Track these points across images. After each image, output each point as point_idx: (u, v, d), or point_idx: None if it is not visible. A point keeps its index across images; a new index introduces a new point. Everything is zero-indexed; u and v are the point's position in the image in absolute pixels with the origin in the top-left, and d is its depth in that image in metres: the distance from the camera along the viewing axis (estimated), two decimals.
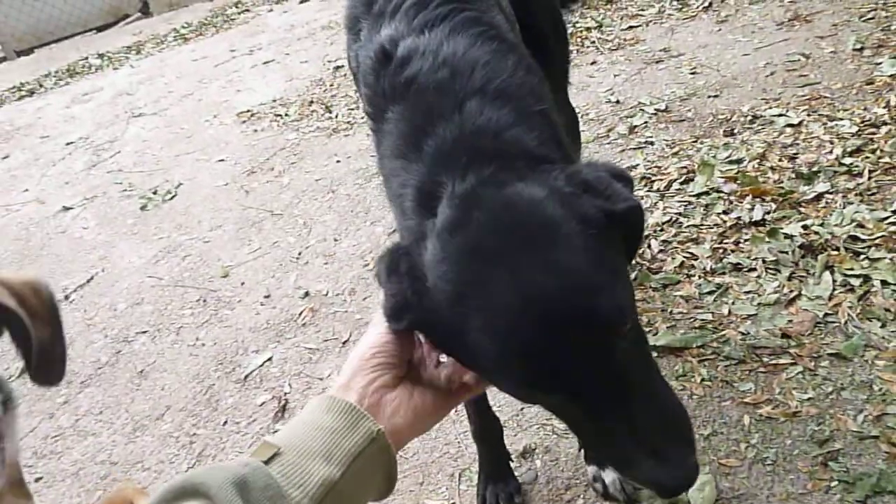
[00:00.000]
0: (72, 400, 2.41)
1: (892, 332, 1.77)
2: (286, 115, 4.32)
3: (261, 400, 2.19)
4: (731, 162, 2.56)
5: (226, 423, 2.15)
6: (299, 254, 2.84)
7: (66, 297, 2.98)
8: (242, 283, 2.77)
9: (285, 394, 2.18)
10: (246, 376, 2.30)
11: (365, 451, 0.78)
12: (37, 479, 2.12)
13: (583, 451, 1.68)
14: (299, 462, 0.75)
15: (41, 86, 6.98)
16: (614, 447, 0.87)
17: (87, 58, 7.59)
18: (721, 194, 2.42)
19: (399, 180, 1.06)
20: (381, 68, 1.13)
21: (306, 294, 2.59)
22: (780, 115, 2.75)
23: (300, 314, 2.50)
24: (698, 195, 2.45)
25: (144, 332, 2.66)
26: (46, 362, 1.01)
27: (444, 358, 0.93)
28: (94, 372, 2.52)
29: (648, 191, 2.55)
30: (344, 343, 2.31)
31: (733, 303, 2.00)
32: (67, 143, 4.96)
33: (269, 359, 2.34)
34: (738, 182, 2.42)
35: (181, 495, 0.68)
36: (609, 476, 1.60)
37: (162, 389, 2.35)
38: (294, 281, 2.69)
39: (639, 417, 0.84)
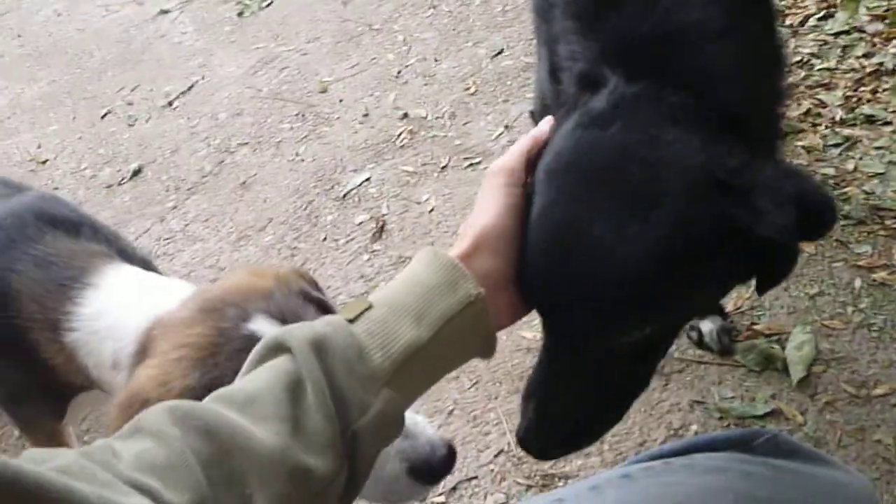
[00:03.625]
0: (180, 206, 2.53)
1: None
2: None
3: (359, 219, 2.23)
4: None
5: (325, 239, 2.22)
6: (398, 72, 2.77)
7: (170, 104, 3.03)
8: (341, 100, 2.74)
9: (383, 215, 2.21)
10: (344, 194, 2.34)
11: (459, 314, 0.71)
12: None
13: None
14: (387, 319, 0.69)
15: None
16: (529, 384, 0.87)
17: None
18: (863, 35, 2.18)
19: (569, 49, 0.97)
20: None
21: (405, 115, 2.55)
22: None
23: (399, 135, 2.48)
24: (836, 34, 2.22)
25: (245, 143, 2.71)
26: None
27: None
28: (200, 180, 2.61)
29: (780, 26, 2.32)
30: (443, 168, 2.30)
31: (861, 158, 1.86)
32: None
33: (368, 179, 2.36)
34: (886, 21, 2.18)
35: (273, 350, 0.68)
36: (706, 326, 1.59)
37: (264, 202, 2.43)
38: (393, 101, 2.64)
39: (558, 390, 0.84)
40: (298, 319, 0.98)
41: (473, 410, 1.65)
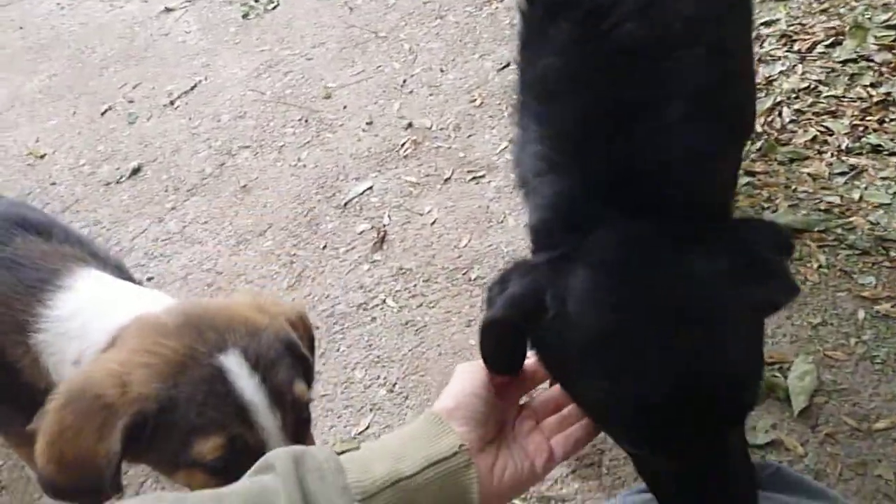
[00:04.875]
0: (179, 206, 2.50)
1: None
2: None
3: (360, 228, 2.22)
4: (888, 27, 2.29)
5: (325, 247, 2.20)
6: (404, 81, 2.76)
7: (172, 103, 3.01)
8: (345, 107, 2.73)
9: (384, 225, 2.20)
10: (346, 203, 2.32)
11: (444, 461, 0.77)
12: (149, 279, 2.26)
13: None
14: (368, 456, 0.76)
15: None
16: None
17: None
18: (871, 64, 2.19)
19: (537, 164, 0.99)
20: None
21: (409, 125, 2.54)
22: None
23: (402, 145, 2.47)
24: (844, 62, 2.23)
25: (247, 146, 2.69)
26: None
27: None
28: (200, 182, 2.58)
29: (788, 51, 2.33)
30: (446, 180, 2.28)
31: (866, 188, 1.86)
32: None
33: (370, 188, 2.35)
34: (895, 52, 2.18)
35: (260, 470, 0.73)
36: None
37: (264, 206, 2.41)
38: (397, 110, 2.63)
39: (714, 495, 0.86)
40: (270, 369, 0.98)
41: None
